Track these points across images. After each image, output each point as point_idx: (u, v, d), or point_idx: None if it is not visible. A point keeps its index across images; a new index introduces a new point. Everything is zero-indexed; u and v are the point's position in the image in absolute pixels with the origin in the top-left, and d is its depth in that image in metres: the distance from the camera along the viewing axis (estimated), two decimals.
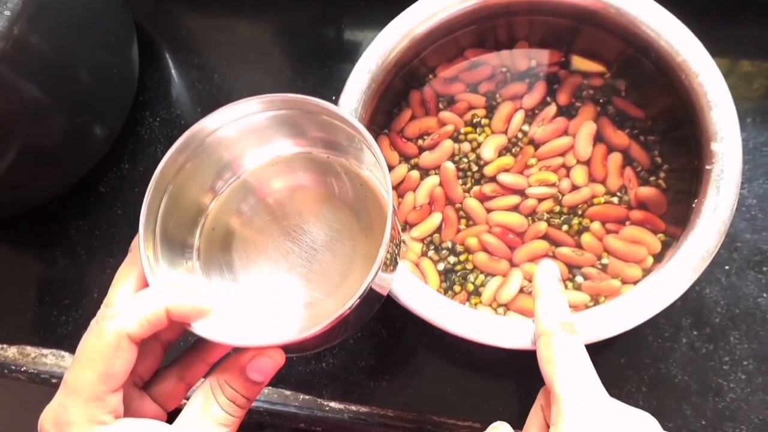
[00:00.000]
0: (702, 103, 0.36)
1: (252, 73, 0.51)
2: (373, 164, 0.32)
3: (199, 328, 0.27)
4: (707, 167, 0.35)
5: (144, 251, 0.28)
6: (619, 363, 0.41)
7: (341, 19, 0.51)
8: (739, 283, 0.41)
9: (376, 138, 0.43)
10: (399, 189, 0.42)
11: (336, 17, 0.52)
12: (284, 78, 0.50)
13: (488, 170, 0.41)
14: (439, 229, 0.41)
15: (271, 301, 0.32)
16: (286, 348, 0.27)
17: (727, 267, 0.42)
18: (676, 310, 0.41)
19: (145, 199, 0.29)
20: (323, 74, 0.50)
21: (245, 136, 0.33)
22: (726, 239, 0.42)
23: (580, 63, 0.43)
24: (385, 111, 0.43)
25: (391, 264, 0.30)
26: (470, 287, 0.39)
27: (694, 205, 0.35)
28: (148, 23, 0.54)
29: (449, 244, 0.40)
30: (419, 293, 0.34)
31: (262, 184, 0.34)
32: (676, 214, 0.38)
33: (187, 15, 0.54)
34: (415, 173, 0.42)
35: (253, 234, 0.33)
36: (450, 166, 0.41)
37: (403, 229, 0.41)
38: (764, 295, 0.41)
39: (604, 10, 0.39)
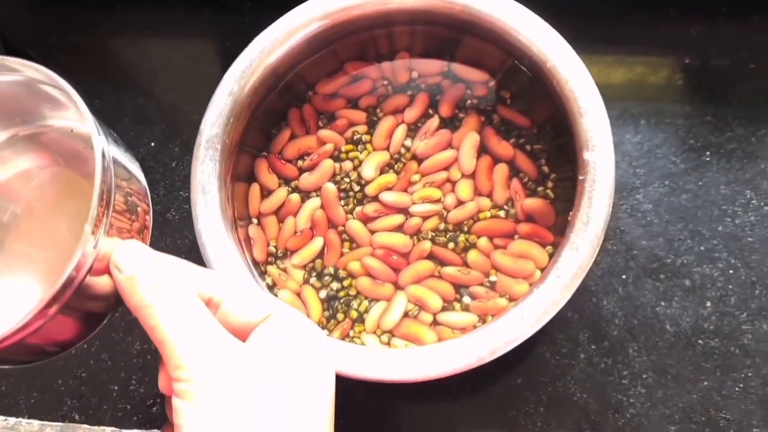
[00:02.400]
0: (573, 110, 0.34)
1: (134, 97, 0.48)
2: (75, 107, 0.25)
3: None
4: (580, 177, 0.33)
5: None
6: (516, 383, 0.39)
7: (227, 37, 0.49)
8: (636, 293, 0.40)
9: (253, 161, 0.40)
10: (279, 214, 0.40)
11: (221, 34, 0.49)
12: (168, 100, 0.48)
13: (370, 189, 0.39)
14: (321, 255, 0.39)
15: (6, 309, 0.27)
16: None
17: (624, 276, 0.40)
18: (573, 324, 0.40)
19: None
20: (209, 94, 0.48)
21: None
22: (622, 247, 0.41)
23: (462, 72, 0.41)
24: (264, 132, 0.41)
25: (127, 230, 0.24)
26: (354, 314, 0.37)
27: (569, 218, 0.33)
28: (30, 49, 0.52)
29: (332, 270, 0.38)
30: None
31: None
32: (564, 224, 0.37)
33: (69, 38, 0.51)
34: (296, 196, 0.40)
35: None
36: (331, 187, 0.39)
37: (284, 257, 0.39)
38: (662, 303, 0.40)
39: (479, 20, 0.37)
